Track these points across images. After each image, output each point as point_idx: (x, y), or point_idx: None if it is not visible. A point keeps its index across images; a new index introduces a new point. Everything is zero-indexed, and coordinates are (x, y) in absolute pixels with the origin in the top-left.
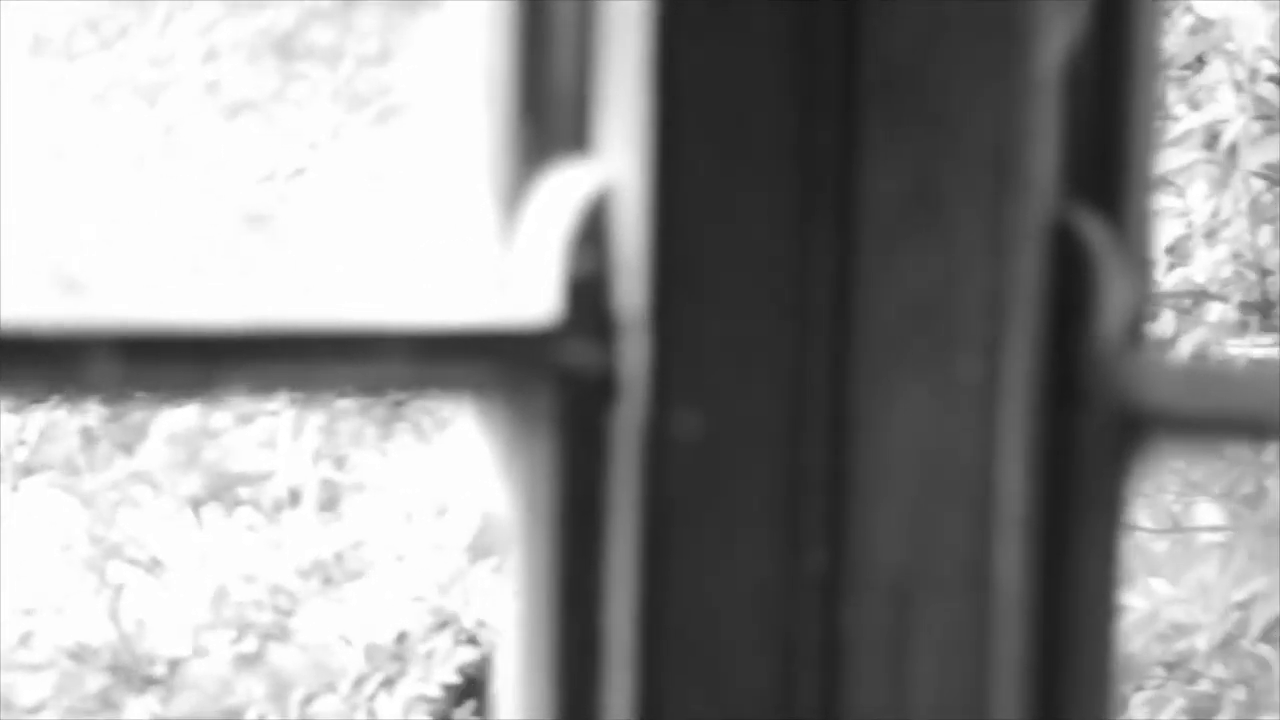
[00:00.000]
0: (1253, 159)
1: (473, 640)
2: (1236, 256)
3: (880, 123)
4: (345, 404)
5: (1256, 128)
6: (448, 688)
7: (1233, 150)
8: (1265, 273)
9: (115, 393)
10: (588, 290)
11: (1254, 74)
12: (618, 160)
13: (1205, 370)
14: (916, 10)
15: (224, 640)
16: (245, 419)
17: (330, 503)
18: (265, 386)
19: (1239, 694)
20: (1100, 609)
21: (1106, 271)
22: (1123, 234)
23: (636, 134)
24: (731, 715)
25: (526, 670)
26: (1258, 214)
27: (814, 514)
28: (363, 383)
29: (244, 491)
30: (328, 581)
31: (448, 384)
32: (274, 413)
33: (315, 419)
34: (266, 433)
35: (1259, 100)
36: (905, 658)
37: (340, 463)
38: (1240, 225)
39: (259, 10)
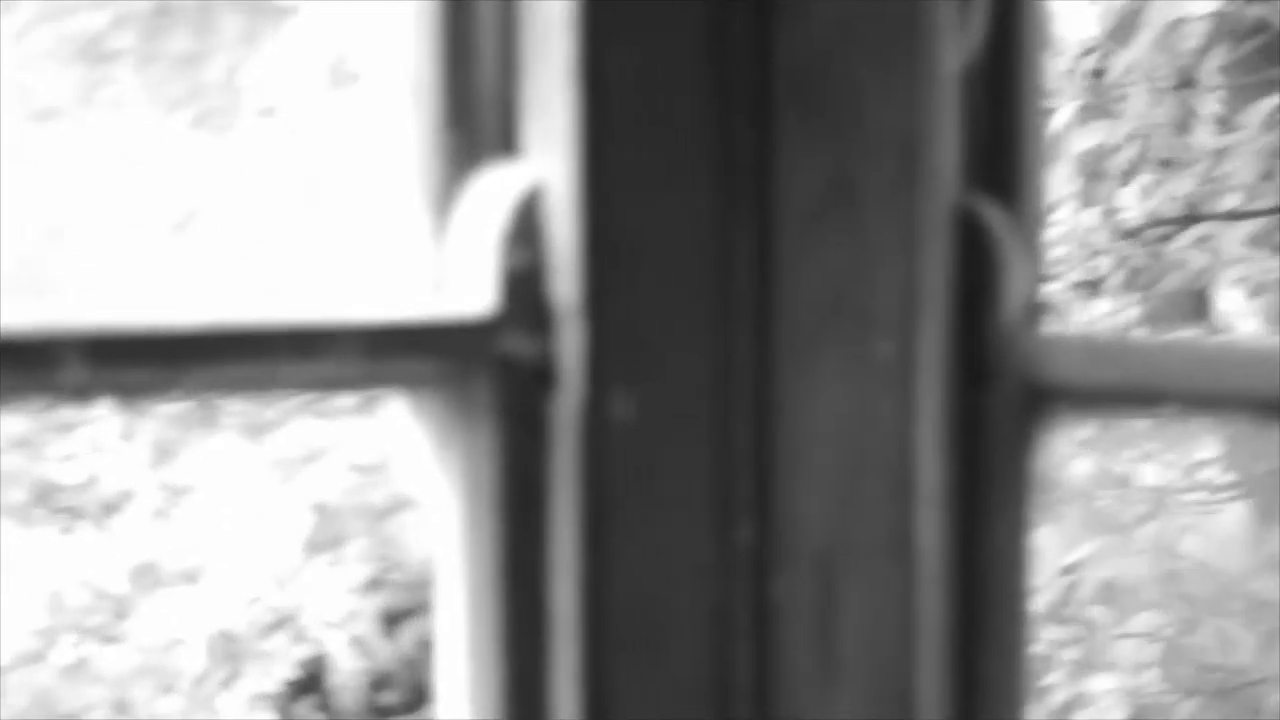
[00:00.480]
0: (1079, 144)
1: (309, 637)
2: (1066, 238)
3: (795, 120)
4: (171, 407)
5: (1082, 114)
6: (287, 684)
7: (1061, 136)
8: (1095, 253)
9: (77, 395)
10: (523, 284)
11: (1078, 64)
12: (547, 159)
13: (1104, 345)
14: (826, 13)
15: (57, 645)
16: (67, 427)
17: (161, 505)
18: (224, 387)
19: (1071, 653)
20: (1012, 574)
21: (1007, 256)
22: (1019, 220)
23: (565, 134)
24: (671, 686)
25: (473, 651)
26: (1085, 198)
27: (743, 491)
28: (315, 381)
29: (70, 498)
30: (160, 584)
31: (393, 379)
32: (98, 419)
33: (144, 422)
34: (91, 439)
35: (1084, 88)
36: (832, 625)
37: (170, 465)
38: (1069, 209)
39: (70, 14)
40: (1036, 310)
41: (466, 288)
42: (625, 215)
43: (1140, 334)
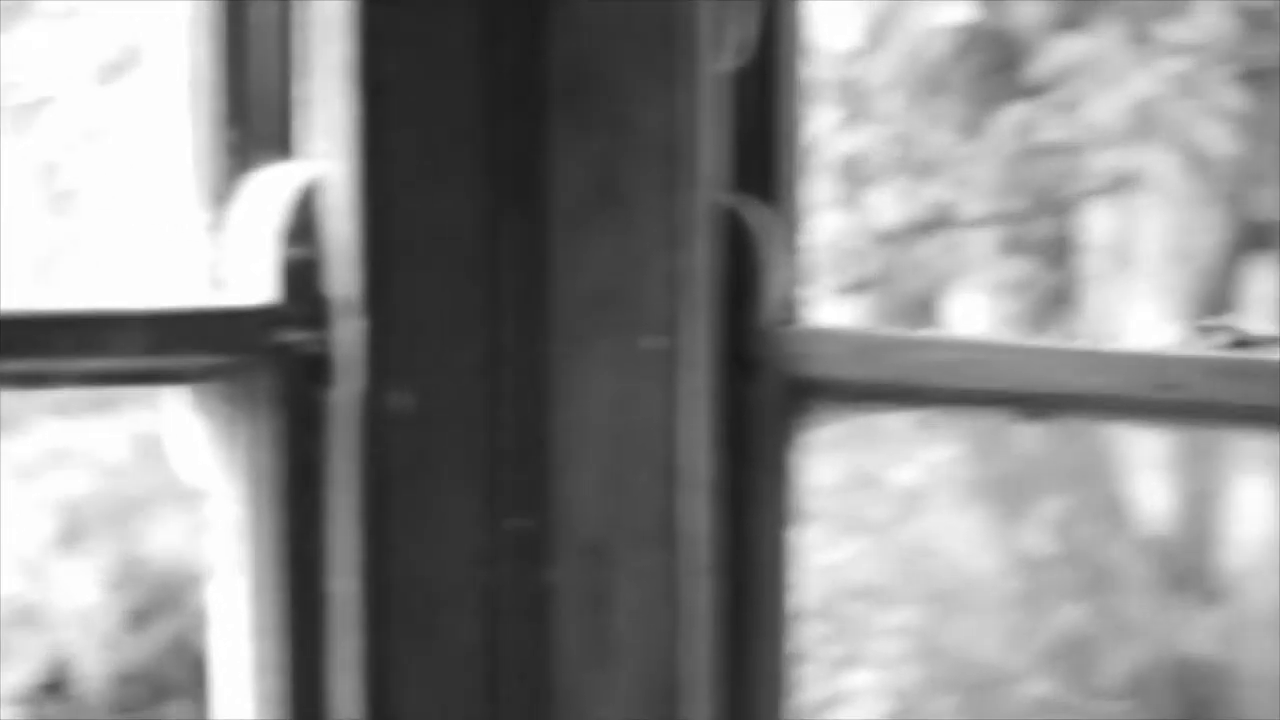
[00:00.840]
0: (839, 149)
1: (54, 634)
2: (827, 240)
3: (567, 122)
4: None
5: (841, 119)
6: (32, 681)
7: (821, 141)
8: (852, 255)
9: None
10: (301, 278)
11: (837, 70)
12: (324, 157)
13: (863, 341)
14: (596, 19)
15: None
16: None
17: None
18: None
19: (831, 651)
20: (777, 561)
21: (768, 254)
22: (780, 219)
23: (341, 132)
24: (446, 668)
25: (254, 635)
26: (844, 201)
27: (516, 480)
28: (95, 374)
29: None
30: None
31: (173, 370)
32: None
33: None
34: None
35: (843, 95)
36: (605, 610)
37: None
38: (830, 212)
39: None
40: (797, 307)
41: (246, 282)
42: (401, 212)
43: (901, 333)
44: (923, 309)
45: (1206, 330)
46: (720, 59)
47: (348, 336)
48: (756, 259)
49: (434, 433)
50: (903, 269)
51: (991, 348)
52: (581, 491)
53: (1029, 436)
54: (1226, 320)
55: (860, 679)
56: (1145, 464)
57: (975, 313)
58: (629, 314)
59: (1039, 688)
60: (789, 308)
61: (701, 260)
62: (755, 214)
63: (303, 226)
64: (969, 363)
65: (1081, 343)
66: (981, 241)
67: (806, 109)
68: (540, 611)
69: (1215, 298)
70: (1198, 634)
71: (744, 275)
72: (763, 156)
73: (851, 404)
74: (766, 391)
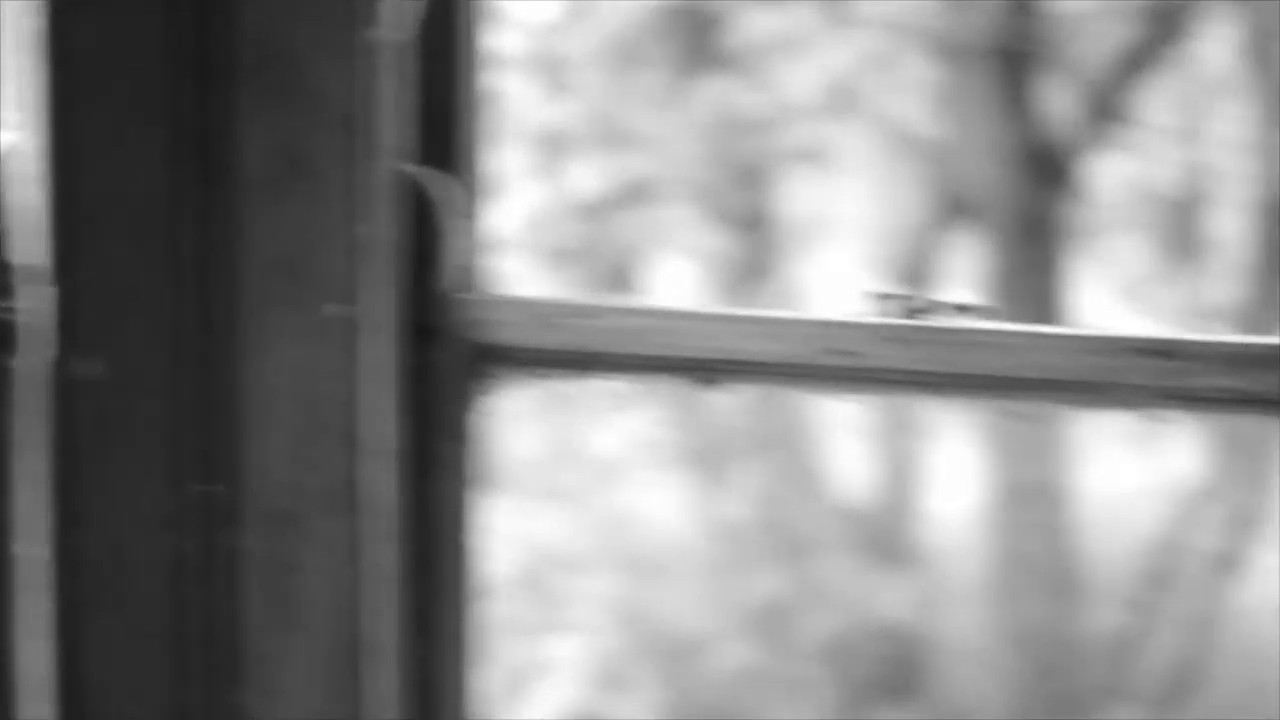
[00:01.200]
0: (538, 120)
1: None
2: (525, 211)
3: (253, 94)
4: None
5: (540, 91)
6: None
7: (518, 113)
8: (551, 225)
9: None
10: None
11: (536, 43)
12: (13, 125)
13: (545, 308)
14: None
15: None
16: None
17: None
18: None
19: (532, 619)
20: (460, 525)
21: (450, 223)
22: (463, 189)
23: (29, 102)
24: (134, 633)
25: None
26: (542, 172)
27: (203, 447)
28: None
29: None
30: None
31: None
32: None
33: None
34: None
35: (542, 67)
36: (291, 575)
37: None
38: (528, 182)
39: None
40: (480, 275)
41: None
42: (88, 181)
43: (583, 301)
44: (623, 280)
45: (883, 299)
46: (398, 27)
47: (34, 305)
48: (438, 228)
49: (121, 400)
50: (603, 240)
51: (671, 315)
52: (267, 458)
53: (728, 405)
54: (904, 289)
55: (561, 647)
56: (844, 432)
57: (676, 283)
58: (312, 282)
59: (738, 653)
60: (471, 276)
61: (383, 229)
62: (437, 183)
63: None
64: (649, 330)
65: (758, 310)
66: (680, 213)
67: (495, 81)
68: (227, 576)
69: (915, 270)
70: (894, 601)
71: (426, 244)
72: (445, 127)
73: (534, 371)
74: (449, 358)
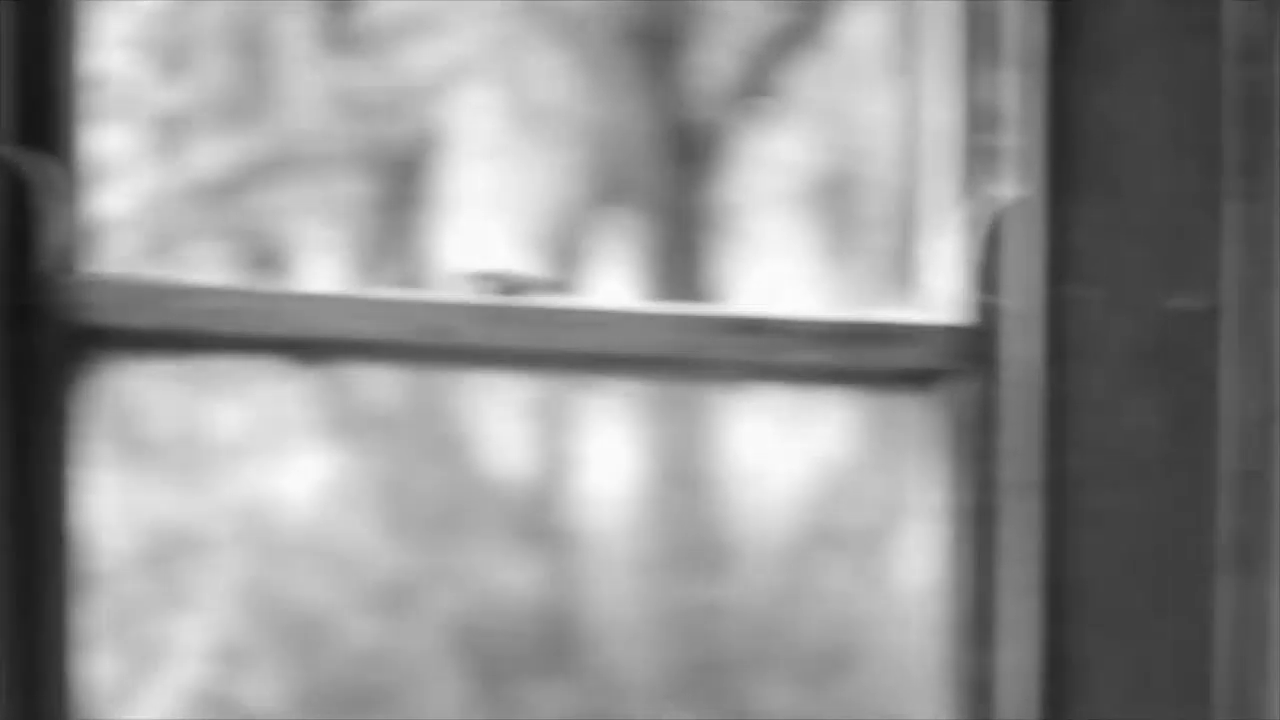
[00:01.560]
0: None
1: None
2: (141, 194)
3: None
4: None
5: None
6: None
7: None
8: (170, 209)
9: None
10: None
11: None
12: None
13: (142, 289)
14: None
15: None
16: None
17: None
18: None
19: (155, 599)
20: (60, 507)
21: (47, 205)
22: (62, 170)
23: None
24: None
25: None
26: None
27: None
28: None
29: None
30: None
31: None
32: None
33: None
34: None
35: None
36: None
37: None
38: (144, 164)
39: None
40: (79, 256)
41: None
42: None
43: (183, 282)
44: (268, 262)
45: (481, 278)
46: None
47: None
48: (35, 209)
49: None
50: (232, 222)
51: (272, 296)
52: None
53: (372, 382)
54: (501, 268)
55: (185, 628)
56: (496, 412)
57: (317, 264)
58: None
59: (366, 631)
60: (71, 258)
61: None
62: (34, 165)
63: None
64: (246, 310)
65: (358, 291)
66: (313, 192)
67: (104, 62)
68: None
69: (565, 250)
70: (538, 579)
71: (23, 225)
72: (43, 109)
73: (132, 351)
74: (47, 340)
